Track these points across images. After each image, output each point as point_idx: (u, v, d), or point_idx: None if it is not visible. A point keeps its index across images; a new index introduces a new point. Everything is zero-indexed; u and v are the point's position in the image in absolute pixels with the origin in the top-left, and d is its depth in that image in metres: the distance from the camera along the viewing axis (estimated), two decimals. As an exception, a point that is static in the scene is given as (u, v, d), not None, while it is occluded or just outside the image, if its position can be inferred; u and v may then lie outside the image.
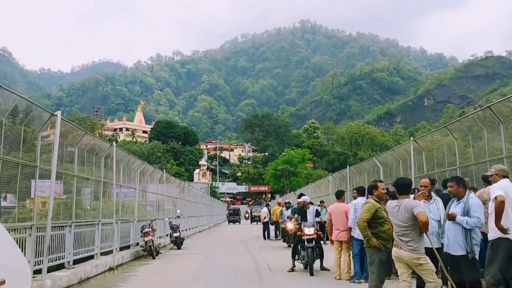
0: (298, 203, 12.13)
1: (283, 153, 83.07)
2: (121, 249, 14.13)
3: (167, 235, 19.84)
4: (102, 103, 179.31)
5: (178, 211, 21.71)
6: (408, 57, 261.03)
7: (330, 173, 30.67)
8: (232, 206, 67.57)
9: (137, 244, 15.48)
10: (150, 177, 19.36)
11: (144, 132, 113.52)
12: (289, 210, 17.79)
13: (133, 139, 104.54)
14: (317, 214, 11.14)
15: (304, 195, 12.12)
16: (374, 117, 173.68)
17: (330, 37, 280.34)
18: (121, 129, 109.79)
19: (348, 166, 22.38)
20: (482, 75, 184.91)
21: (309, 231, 10.39)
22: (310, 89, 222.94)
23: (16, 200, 8.06)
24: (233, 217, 52.65)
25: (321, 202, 19.87)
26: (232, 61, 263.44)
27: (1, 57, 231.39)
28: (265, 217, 22.55)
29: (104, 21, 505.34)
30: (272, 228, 23.22)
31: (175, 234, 18.03)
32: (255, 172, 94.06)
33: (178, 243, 18.00)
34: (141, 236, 14.87)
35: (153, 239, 14.54)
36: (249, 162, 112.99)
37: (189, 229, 28.40)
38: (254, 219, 45.88)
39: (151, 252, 14.39)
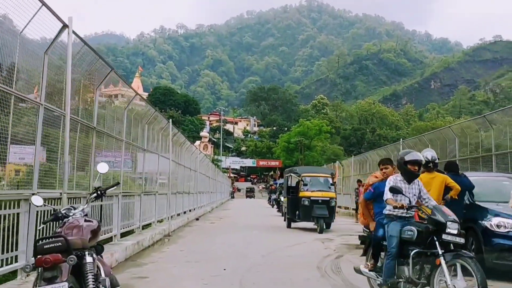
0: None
1: (297, 124, 69.91)
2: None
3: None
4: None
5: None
6: (413, 40, 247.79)
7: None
8: (248, 186, 70.43)
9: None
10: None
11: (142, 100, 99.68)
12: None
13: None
14: None
15: None
16: (380, 98, 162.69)
17: (336, 17, 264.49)
18: (116, 96, 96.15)
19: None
20: (490, 60, 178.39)
21: None
22: (314, 69, 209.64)
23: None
24: (249, 193, 61.40)
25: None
26: (237, 37, 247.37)
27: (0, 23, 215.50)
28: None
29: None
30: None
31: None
32: (263, 145, 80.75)
33: None
34: None
35: None
36: (254, 137, 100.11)
37: (177, 215, 15.72)
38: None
39: None
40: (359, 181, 19.27)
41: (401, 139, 18.54)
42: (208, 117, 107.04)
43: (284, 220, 16.54)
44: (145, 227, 11.77)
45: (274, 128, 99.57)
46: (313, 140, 65.11)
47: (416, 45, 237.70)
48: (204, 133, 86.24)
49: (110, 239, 8.80)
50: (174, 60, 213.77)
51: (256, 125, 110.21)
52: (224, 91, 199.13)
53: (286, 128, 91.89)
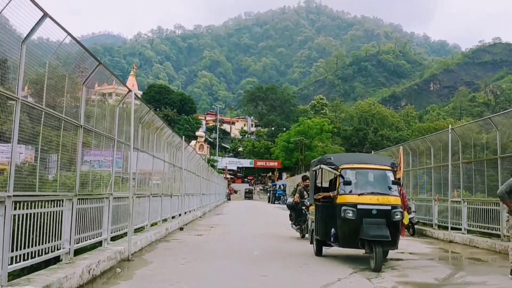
0: None
1: (297, 123, 65.92)
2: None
3: None
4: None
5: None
6: (412, 42, 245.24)
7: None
8: (247, 187, 68.50)
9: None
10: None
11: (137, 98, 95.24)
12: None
13: (123, 105, 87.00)
14: None
15: None
16: (379, 100, 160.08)
17: (334, 19, 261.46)
18: (110, 94, 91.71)
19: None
20: (490, 62, 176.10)
21: None
22: (312, 70, 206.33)
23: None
24: (248, 195, 60.00)
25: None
26: (234, 38, 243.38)
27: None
28: None
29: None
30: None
31: None
32: (261, 145, 76.55)
33: None
34: None
35: None
36: (252, 137, 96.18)
37: (150, 226, 11.60)
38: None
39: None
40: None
41: (449, 125, 14.42)
42: (205, 117, 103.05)
43: (311, 243, 9.77)
44: (90, 248, 7.62)
45: (272, 128, 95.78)
46: (313, 139, 61.04)
47: (415, 47, 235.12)
48: (200, 132, 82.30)
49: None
50: (171, 61, 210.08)
51: (254, 125, 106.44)
52: (221, 92, 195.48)
53: (284, 128, 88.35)
